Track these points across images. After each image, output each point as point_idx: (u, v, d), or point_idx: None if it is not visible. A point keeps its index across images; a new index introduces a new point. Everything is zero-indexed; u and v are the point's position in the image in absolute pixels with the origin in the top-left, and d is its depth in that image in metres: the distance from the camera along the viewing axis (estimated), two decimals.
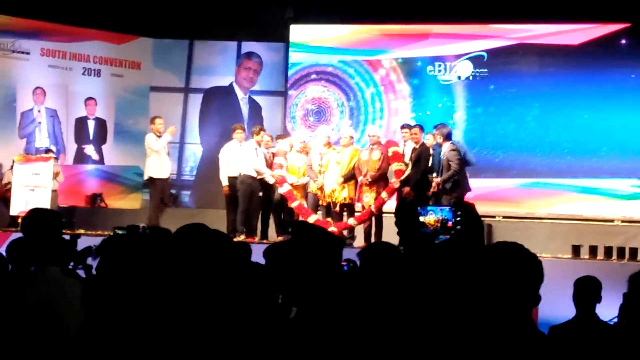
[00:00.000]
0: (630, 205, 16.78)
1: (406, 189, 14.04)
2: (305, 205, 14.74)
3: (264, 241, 14.54)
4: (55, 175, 16.37)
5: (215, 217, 14.76)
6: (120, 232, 4.68)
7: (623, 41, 17.03)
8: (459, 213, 3.74)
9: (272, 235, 15.02)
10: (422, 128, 14.72)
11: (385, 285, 3.57)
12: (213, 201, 15.64)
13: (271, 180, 14.90)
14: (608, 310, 8.50)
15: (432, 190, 14.12)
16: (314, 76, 18.89)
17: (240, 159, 14.96)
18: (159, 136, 15.37)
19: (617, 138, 16.92)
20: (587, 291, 6.98)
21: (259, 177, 14.90)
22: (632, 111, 16.90)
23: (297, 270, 3.76)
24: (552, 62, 17.47)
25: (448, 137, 14.30)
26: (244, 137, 15.38)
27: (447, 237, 3.86)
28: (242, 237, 14.11)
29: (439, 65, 17.98)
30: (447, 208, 3.79)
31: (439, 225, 3.76)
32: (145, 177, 15.65)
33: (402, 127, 15.12)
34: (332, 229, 13.50)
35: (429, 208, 3.82)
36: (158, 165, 15.27)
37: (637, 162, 16.83)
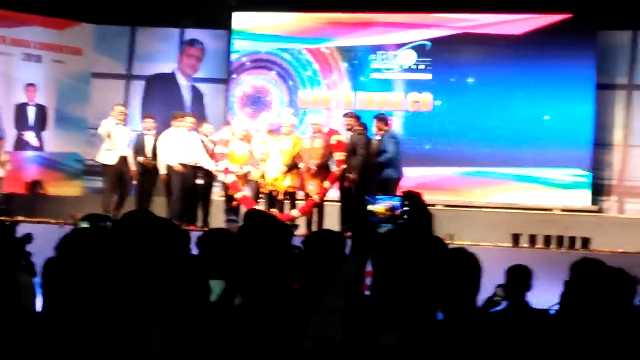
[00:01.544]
0: (569, 194, 17.00)
1: (351, 176, 14.07)
2: (249, 195, 14.73)
3: (206, 228, 14.49)
4: (4, 163, 16.26)
5: (157, 204, 14.72)
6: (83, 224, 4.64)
7: (565, 31, 17.19)
8: (406, 203, 3.75)
9: (214, 222, 14.97)
10: (358, 117, 14.77)
11: (331, 271, 3.59)
12: (157, 188, 15.57)
13: (212, 168, 14.86)
14: (547, 298, 8.60)
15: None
16: (255, 64, 18.83)
17: (172, 146, 14.90)
18: (117, 123, 15.20)
19: (557, 127, 17.12)
20: (518, 280, 7.09)
21: (196, 165, 14.86)
22: (572, 101, 17.10)
23: (249, 257, 3.78)
24: (495, 51, 17.61)
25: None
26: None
27: (391, 225, 3.85)
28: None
29: (382, 54, 18.02)
30: (396, 197, 3.79)
31: (388, 213, 3.77)
32: None
33: (344, 115, 15.13)
34: None
35: (377, 197, 3.81)
36: (104, 150, 15.16)
37: (576, 152, 17.04)
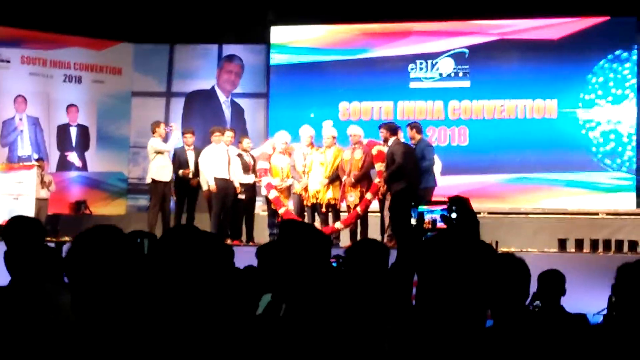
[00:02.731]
0: (614, 197, 16.84)
1: (380, 185, 14.08)
2: (291, 208, 14.72)
3: (250, 243, 14.53)
4: (48, 184, 16.37)
5: (201, 220, 14.73)
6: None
7: (604, 34, 17.08)
8: (453, 208, 3.70)
9: (258, 237, 14.98)
10: (392, 127, 14.62)
11: (375, 279, 3.56)
12: (200, 205, 15.60)
13: (248, 181, 14.88)
14: (597, 302, 8.50)
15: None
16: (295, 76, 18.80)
17: (211, 162, 14.92)
18: (163, 140, 15.37)
19: (599, 131, 16.98)
20: (551, 285, 6.98)
21: (238, 180, 14.87)
22: (614, 104, 16.98)
23: (287, 268, 3.74)
24: (533, 56, 17.51)
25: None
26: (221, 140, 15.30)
27: (434, 233, 3.80)
28: None
29: (421, 63, 17.97)
30: (439, 208, 3.73)
31: (430, 226, 3.71)
32: (148, 180, 15.54)
33: (379, 127, 14.94)
34: None
35: (421, 208, 3.76)
36: (161, 168, 15.21)
37: (620, 155, 16.90)
